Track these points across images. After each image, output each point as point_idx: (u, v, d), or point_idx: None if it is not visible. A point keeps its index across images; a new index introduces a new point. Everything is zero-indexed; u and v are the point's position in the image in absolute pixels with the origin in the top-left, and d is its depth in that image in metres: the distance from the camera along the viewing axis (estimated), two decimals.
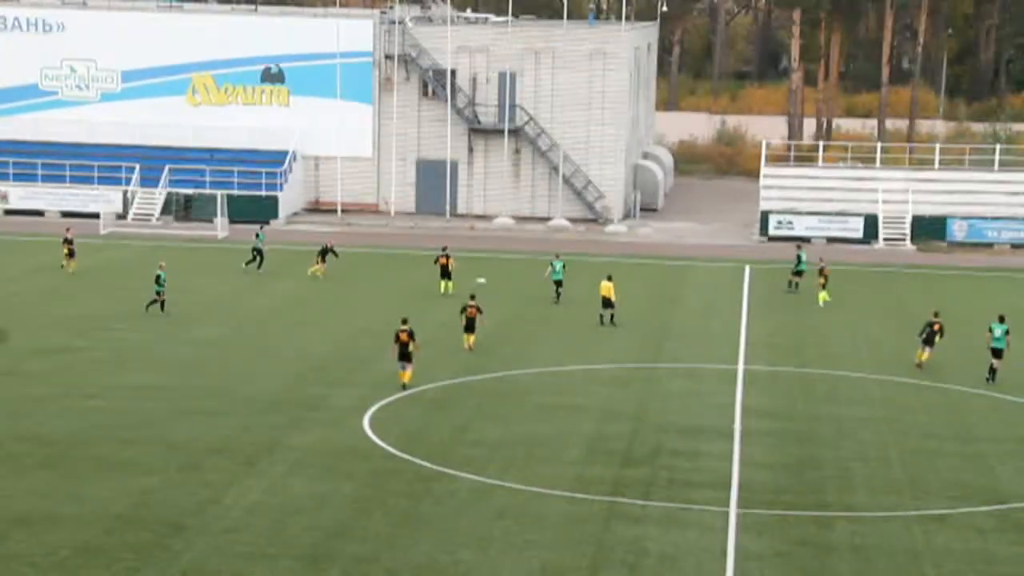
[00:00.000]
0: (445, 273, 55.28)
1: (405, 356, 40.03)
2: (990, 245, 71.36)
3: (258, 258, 60.30)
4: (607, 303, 50.18)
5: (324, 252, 59.86)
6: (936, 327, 44.72)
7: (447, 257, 55.78)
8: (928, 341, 44.74)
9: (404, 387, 40.04)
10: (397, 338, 40.09)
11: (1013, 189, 74.94)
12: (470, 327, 45.02)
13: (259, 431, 35.86)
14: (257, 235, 61.33)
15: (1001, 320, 43.18)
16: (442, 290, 54.75)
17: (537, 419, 37.79)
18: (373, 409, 38.13)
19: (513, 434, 36.26)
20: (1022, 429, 37.99)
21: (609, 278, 50.89)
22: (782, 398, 40.84)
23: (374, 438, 35.54)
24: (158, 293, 50.14)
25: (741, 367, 44.43)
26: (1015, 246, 71.86)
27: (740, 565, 27.39)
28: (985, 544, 28.98)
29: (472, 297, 45.40)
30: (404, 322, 40.57)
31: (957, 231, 72.93)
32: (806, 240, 70.57)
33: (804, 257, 58.62)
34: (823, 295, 55.04)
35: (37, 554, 27.07)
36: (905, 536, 29.38)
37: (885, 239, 72.41)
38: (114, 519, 29.18)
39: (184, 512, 29.66)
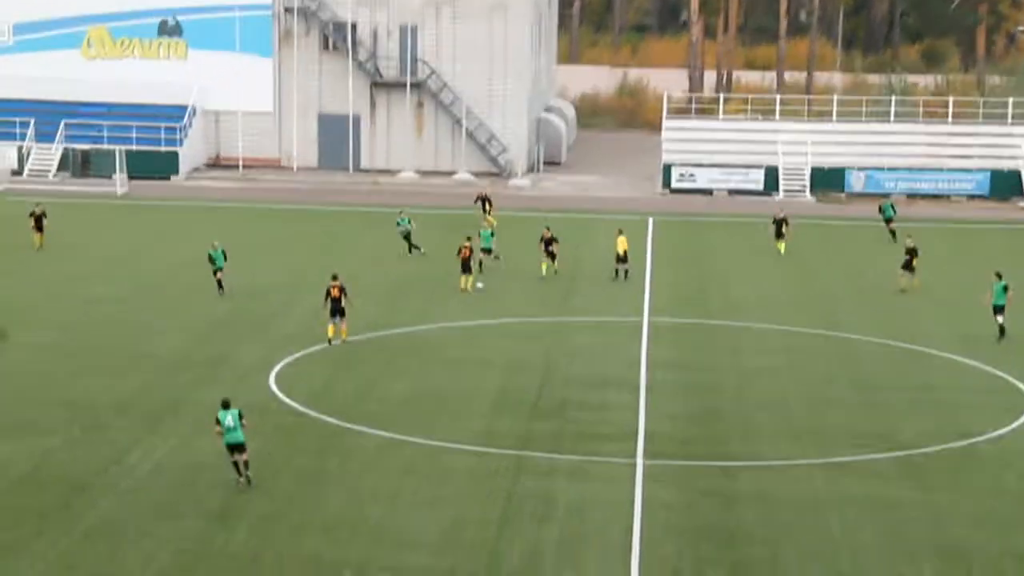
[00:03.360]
0: (466, 267, 48.05)
1: (338, 311, 39.69)
2: (887, 195, 72.32)
3: (408, 242, 54.61)
4: (622, 258, 50.42)
5: (484, 200, 60.66)
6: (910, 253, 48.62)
7: (471, 250, 48.65)
8: (907, 266, 48.57)
9: (330, 342, 39.77)
10: (328, 294, 39.70)
11: (908, 140, 76.04)
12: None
13: (163, 390, 35.46)
14: (398, 222, 55.04)
15: (999, 277, 43.23)
16: (463, 285, 48.15)
17: (444, 374, 37.78)
18: (279, 366, 37.86)
19: (420, 389, 36.23)
20: (920, 377, 38.69)
21: (621, 232, 51.00)
22: (687, 350, 41.20)
23: (280, 395, 35.32)
24: (216, 272, 46.44)
25: (646, 319, 44.73)
26: (911, 196, 72.95)
27: (648, 515, 27.65)
28: (886, 490, 29.51)
29: (335, 277, 40.25)
30: (335, 277, 40.06)
31: (855, 182, 73.88)
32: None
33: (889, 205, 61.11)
34: (781, 245, 55.94)
35: None
36: (808, 484, 29.83)
37: (785, 191, 73.15)
38: (15, 481, 28.74)
39: (87, 472, 29.29)
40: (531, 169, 79.76)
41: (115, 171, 70.79)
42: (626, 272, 50.66)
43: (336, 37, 77.11)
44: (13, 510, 27.15)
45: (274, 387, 36.00)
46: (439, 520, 27.20)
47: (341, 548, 25.82)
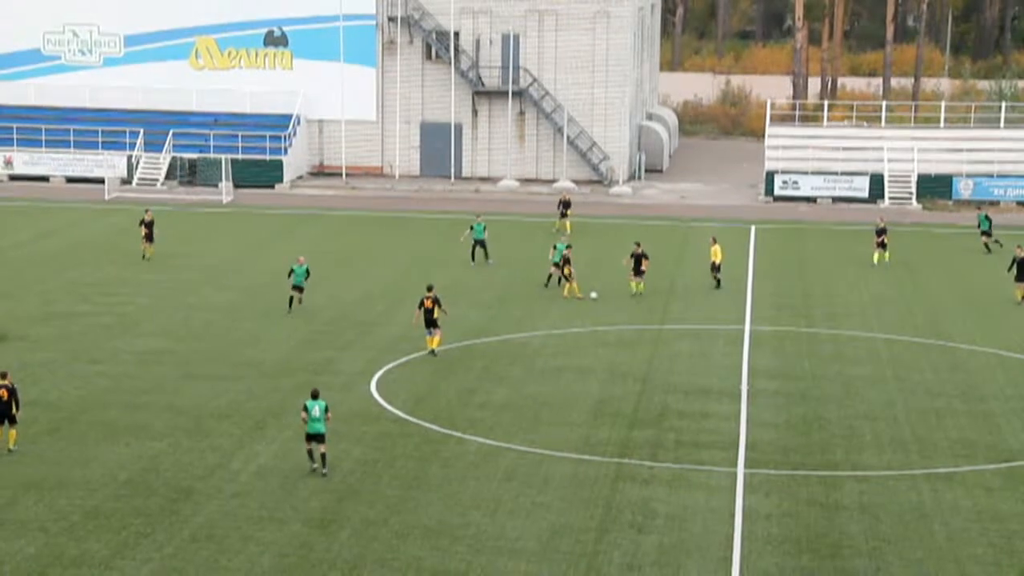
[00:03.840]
0: (637, 270, 48.55)
1: (431, 323, 39.70)
2: (996, 203, 71.13)
3: (483, 250, 54.41)
4: (716, 267, 50.33)
5: (565, 205, 61.74)
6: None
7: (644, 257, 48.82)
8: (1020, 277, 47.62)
9: (433, 352, 39.88)
10: (422, 304, 39.73)
11: (1018, 146, 74.66)
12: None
13: (267, 396, 35.91)
14: (472, 226, 54.79)
15: None
16: (634, 289, 48.79)
17: (544, 381, 37.81)
18: (380, 372, 38.16)
19: (521, 396, 36.30)
20: None
21: (715, 241, 50.90)
22: (789, 358, 40.83)
23: (382, 402, 35.59)
24: (296, 288, 45.05)
25: (748, 327, 44.42)
26: (1021, 203, 71.64)
27: (748, 525, 27.45)
28: (992, 502, 29.02)
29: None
30: (429, 289, 40.11)
31: (963, 189, 72.70)
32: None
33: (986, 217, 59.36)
34: (878, 255, 54.98)
35: (47, 519, 27.18)
36: (913, 494, 29.42)
37: (891, 198, 72.20)
38: (123, 484, 29.27)
39: (193, 476, 29.75)
40: (632, 177, 79.55)
41: (221, 179, 71.85)
42: (718, 281, 50.32)
43: (439, 46, 77.55)
44: (121, 513, 27.65)
45: (376, 394, 36.29)
46: (538, 527, 27.23)
47: (442, 554, 25.95)
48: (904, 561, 25.96)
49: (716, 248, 50.60)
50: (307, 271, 45.58)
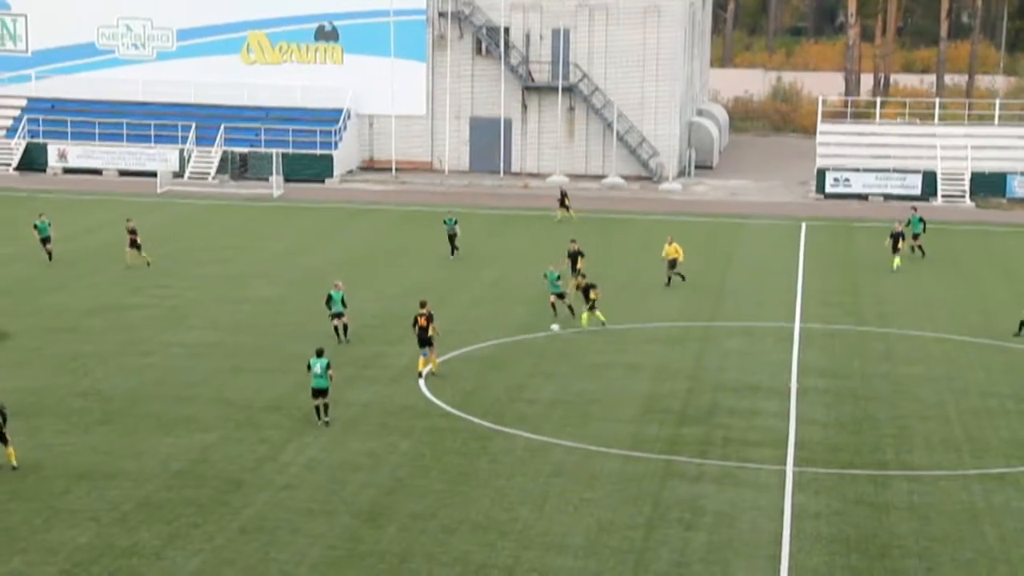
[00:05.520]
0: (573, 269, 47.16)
1: (426, 341, 36.95)
2: None
3: (452, 244, 54.73)
4: (673, 264, 49.47)
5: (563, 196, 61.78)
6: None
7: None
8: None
9: (420, 375, 36.91)
10: (415, 322, 37.08)
11: None
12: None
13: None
14: (445, 221, 55.36)
15: None
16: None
17: (593, 378, 37.77)
18: (428, 367, 38.21)
19: (568, 392, 36.28)
20: None
21: (671, 240, 50.30)
22: (839, 356, 40.58)
23: (430, 396, 35.66)
24: (337, 315, 41.03)
25: (797, 325, 44.18)
26: None
27: (797, 524, 27.32)
28: None
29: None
30: (423, 305, 37.37)
31: (1017, 187, 72.03)
32: (864, 198, 70.07)
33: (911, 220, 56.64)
34: (897, 260, 53.36)
35: (99, 509, 27.41)
36: (964, 495, 29.18)
37: (944, 196, 71.63)
38: (174, 475, 29.48)
39: (243, 468, 29.93)
40: (682, 173, 79.33)
41: (272, 174, 72.21)
42: (669, 278, 49.15)
43: (489, 41, 77.59)
44: (173, 503, 27.85)
45: (424, 388, 36.36)
46: (586, 523, 27.21)
47: (489, 549, 25.98)
48: (955, 562, 25.75)
49: (674, 247, 49.49)
50: (343, 299, 41.02)
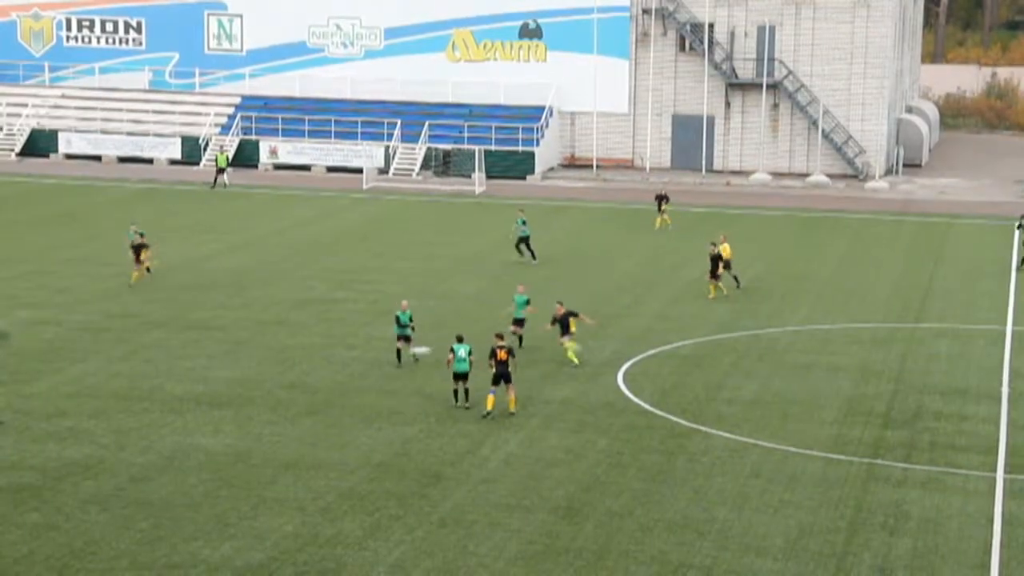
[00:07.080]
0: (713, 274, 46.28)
1: (505, 377, 33.21)
2: None
3: (518, 247, 53.34)
4: (727, 264, 46.76)
5: (660, 199, 60.30)
6: None
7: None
8: None
9: (489, 414, 33.27)
10: (494, 355, 33.33)
11: None
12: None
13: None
14: (518, 222, 53.63)
15: None
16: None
17: (793, 378, 37.19)
18: (627, 364, 38.12)
19: (768, 392, 35.79)
20: None
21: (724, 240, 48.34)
22: None
23: (628, 393, 35.56)
24: (404, 338, 37.89)
25: (1010, 328, 42.79)
26: None
27: (1008, 532, 26.44)
28: None
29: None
30: (500, 337, 33.83)
31: None
32: None
33: None
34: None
35: (304, 498, 28.04)
36: None
37: None
38: (376, 467, 29.97)
39: (443, 462, 30.27)
40: (889, 171, 77.58)
41: (474, 170, 72.96)
42: (718, 279, 46.54)
43: (693, 38, 77.05)
44: (374, 495, 28.32)
45: (622, 385, 36.28)
46: (786, 525, 26.79)
47: (686, 549, 25.77)
48: None
49: (725, 246, 47.40)
50: (411, 317, 38.23)
